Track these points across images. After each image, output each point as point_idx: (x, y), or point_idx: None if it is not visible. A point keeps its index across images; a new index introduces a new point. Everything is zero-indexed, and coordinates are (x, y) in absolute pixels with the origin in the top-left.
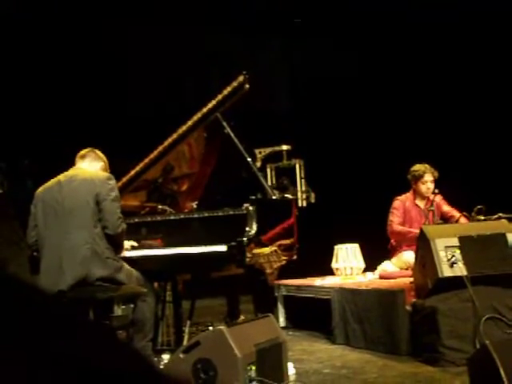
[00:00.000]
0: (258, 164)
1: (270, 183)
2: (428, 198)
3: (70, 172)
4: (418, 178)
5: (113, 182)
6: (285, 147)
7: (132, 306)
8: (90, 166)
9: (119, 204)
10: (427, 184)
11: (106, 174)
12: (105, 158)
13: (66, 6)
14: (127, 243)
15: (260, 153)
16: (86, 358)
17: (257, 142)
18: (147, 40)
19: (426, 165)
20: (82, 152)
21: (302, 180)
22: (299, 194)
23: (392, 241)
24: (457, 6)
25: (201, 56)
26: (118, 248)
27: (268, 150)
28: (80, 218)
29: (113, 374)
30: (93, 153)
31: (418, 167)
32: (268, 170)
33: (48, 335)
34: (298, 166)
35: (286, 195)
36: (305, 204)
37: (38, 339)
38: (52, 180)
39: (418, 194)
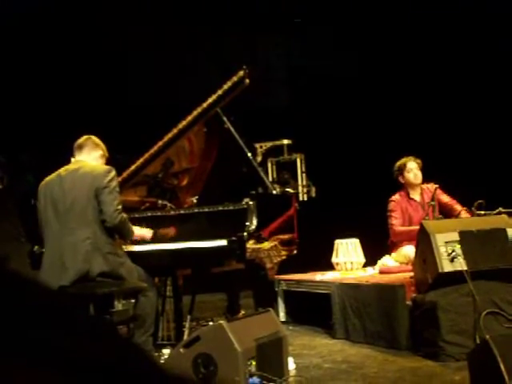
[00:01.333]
0: (259, 158)
1: (270, 177)
2: (422, 188)
3: (71, 166)
4: (403, 168)
5: (112, 173)
6: (285, 141)
7: (133, 301)
8: (89, 155)
9: (117, 195)
10: (413, 171)
11: (106, 167)
12: (103, 145)
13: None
14: (141, 231)
15: (261, 147)
16: (86, 353)
17: (257, 136)
18: (147, 39)
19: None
20: (80, 141)
21: (303, 174)
22: (300, 189)
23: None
24: (457, 7)
25: (201, 54)
26: (126, 238)
27: (269, 145)
28: (81, 213)
29: (113, 369)
30: (90, 141)
31: (398, 162)
32: (269, 165)
33: (48, 331)
34: (298, 161)
35: (286, 189)
36: (305, 198)
37: (38, 335)
38: (53, 174)
39: (409, 186)
